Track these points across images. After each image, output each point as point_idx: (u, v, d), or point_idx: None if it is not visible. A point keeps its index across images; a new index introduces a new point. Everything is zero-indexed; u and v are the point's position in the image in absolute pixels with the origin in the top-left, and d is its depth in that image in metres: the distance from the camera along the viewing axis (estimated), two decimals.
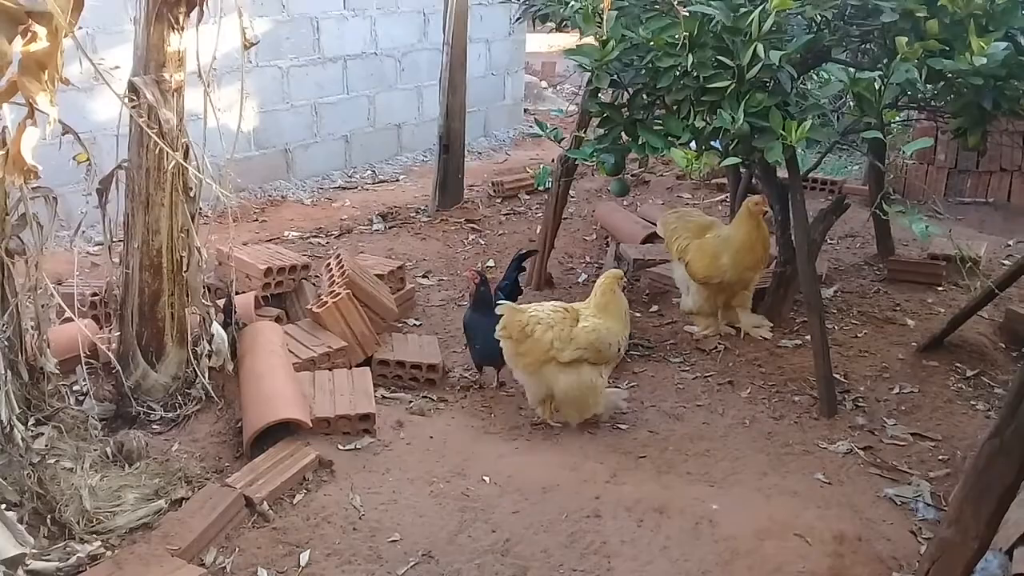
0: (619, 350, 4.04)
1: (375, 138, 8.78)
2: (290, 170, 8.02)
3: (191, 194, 3.77)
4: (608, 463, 3.65)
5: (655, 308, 5.39)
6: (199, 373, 3.81)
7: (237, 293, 4.28)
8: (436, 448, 3.66)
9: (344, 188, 8.07)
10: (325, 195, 7.85)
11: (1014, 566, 3.05)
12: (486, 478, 3.46)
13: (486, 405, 4.26)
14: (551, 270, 5.82)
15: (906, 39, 3.51)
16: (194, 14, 3.58)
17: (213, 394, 3.81)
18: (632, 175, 8.13)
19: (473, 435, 3.86)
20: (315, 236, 6.64)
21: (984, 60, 3.48)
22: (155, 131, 3.46)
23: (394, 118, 8.92)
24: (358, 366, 4.18)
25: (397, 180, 8.43)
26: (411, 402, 4.14)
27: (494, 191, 7.83)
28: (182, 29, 3.55)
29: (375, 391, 4.10)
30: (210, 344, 3.86)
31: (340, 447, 3.59)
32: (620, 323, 4.03)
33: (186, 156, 3.68)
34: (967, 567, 2.74)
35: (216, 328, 3.89)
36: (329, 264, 4.75)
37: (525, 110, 10.95)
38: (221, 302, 4.12)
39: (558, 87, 13.07)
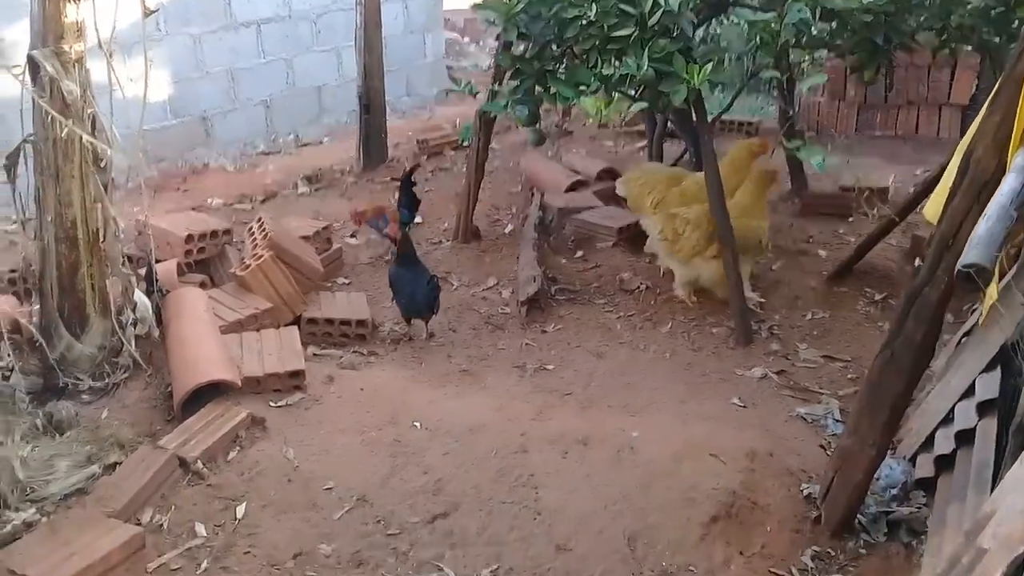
0: (761, 242, 4.61)
1: (296, 102, 8.66)
2: (210, 137, 7.89)
3: (101, 164, 3.73)
4: (534, 402, 3.78)
5: (580, 254, 5.50)
6: (125, 341, 3.81)
7: (158, 261, 4.27)
8: (367, 399, 3.74)
9: (267, 153, 7.98)
10: (248, 161, 7.76)
11: (917, 471, 3.27)
12: (416, 424, 3.56)
13: (416, 356, 4.35)
14: (477, 222, 5.89)
15: None
16: None
17: (141, 361, 3.82)
18: (556, 126, 8.23)
19: (403, 385, 3.94)
20: (239, 203, 6.60)
21: None
22: (59, 103, 3.42)
23: (314, 81, 8.80)
24: (286, 326, 4.22)
25: (321, 143, 8.37)
26: (342, 357, 4.20)
27: (419, 149, 7.85)
28: None
29: (305, 349, 4.16)
30: (134, 312, 3.86)
31: (271, 404, 3.64)
32: (762, 218, 4.62)
33: (94, 127, 3.64)
34: (867, 472, 2.94)
35: (139, 296, 3.90)
36: (251, 227, 4.76)
37: (448, 67, 10.90)
38: (143, 271, 4.11)
39: (481, 43, 13.02)
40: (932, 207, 3.22)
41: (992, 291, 3.05)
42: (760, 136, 4.94)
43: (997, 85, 2.49)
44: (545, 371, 4.14)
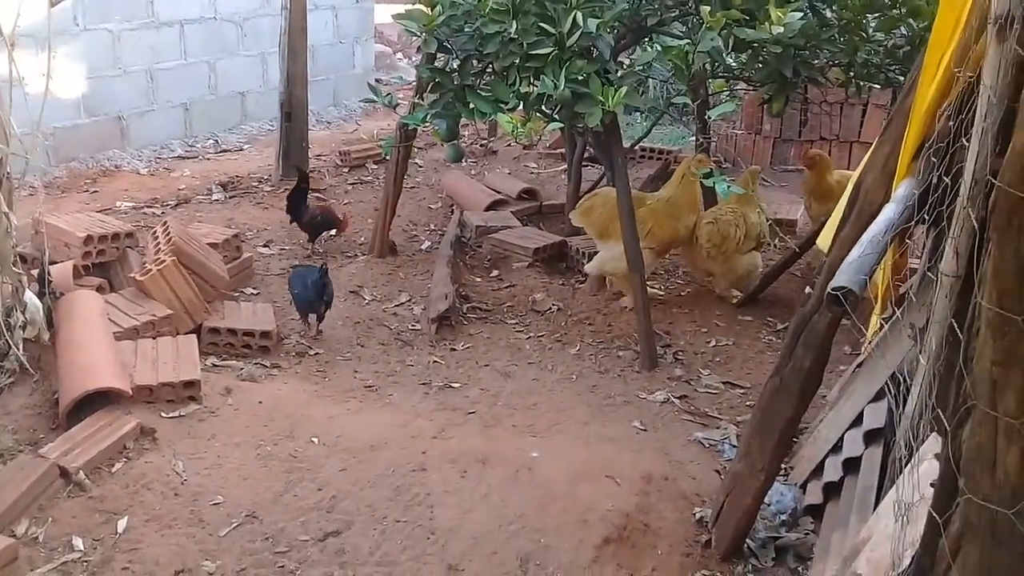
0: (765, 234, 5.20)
1: (217, 106, 8.51)
2: (125, 139, 7.67)
3: None
4: (437, 420, 3.74)
5: (496, 273, 5.51)
6: (12, 345, 3.64)
7: (54, 262, 4.11)
8: (265, 413, 3.65)
9: (184, 158, 7.80)
10: (163, 165, 7.58)
11: (807, 498, 3.34)
12: (315, 439, 3.49)
13: (320, 370, 4.27)
14: (394, 238, 5.85)
15: (709, 8, 3.72)
16: None
17: (28, 366, 3.65)
18: (479, 145, 8.26)
19: (305, 399, 3.87)
20: (149, 207, 6.42)
21: (782, 29, 3.74)
22: None
23: (237, 86, 8.66)
24: (186, 335, 4.10)
25: (241, 149, 8.23)
26: (242, 369, 4.10)
27: (341, 160, 7.78)
28: None
29: (206, 359, 4.08)
30: (23, 314, 3.70)
31: (163, 415, 3.53)
32: (760, 212, 5.17)
33: None
34: (756, 497, 2.99)
35: (30, 297, 3.74)
36: (155, 232, 4.62)
37: (377, 80, 10.84)
38: (36, 271, 3.96)
39: (412, 58, 13.01)
40: (825, 236, 3.32)
41: (874, 321, 3.16)
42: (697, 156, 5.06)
43: (887, 118, 2.59)
44: (451, 389, 4.11)
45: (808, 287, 2.76)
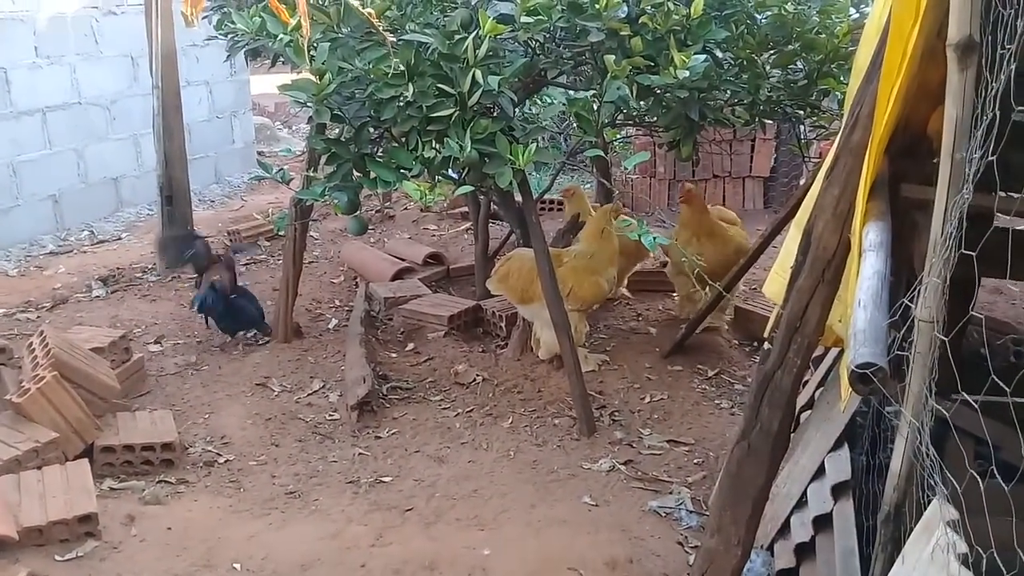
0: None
1: (89, 195, 7.95)
2: None
3: None
4: (372, 524, 3.40)
5: (411, 346, 5.20)
6: None
7: None
8: (176, 540, 3.24)
9: (56, 253, 7.21)
10: (34, 263, 6.97)
11: (777, 561, 3.15)
12: (236, 566, 3.10)
13: (234, 480, 3.84)
14: (298, 318, 5.48)
15: (614, 57, 3.59)
16: None
17: None
18: (376, 211, 7.97)
19: (220, 517, 3.46)
20: (23, 311, 5.84)
21: (687, 73, 3.64)
22: None
23: (109, 172, 8.14)
24: (76, 458, 3.64)
25: (119, 239, 7.68)
26: (144, 490, 3.65)
27: (230, 240, 7.35)
28: None
29: (101, 483, 3.65)
30: None
31: (57, 558, 3.08)
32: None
33: None
34: (735, 573, 2.77)
35: None
36: (31, 344, 4.14)
37: (259, 152, 10.46)
38: None
39: (293, 128, 12.68)
40: (773, 286, 3.15)
41: (844, 370, 3.01)
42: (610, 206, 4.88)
43: (832, 158, 2.45)
44: (382, 484, 3.77)
45: (766, 342, 2.59)
